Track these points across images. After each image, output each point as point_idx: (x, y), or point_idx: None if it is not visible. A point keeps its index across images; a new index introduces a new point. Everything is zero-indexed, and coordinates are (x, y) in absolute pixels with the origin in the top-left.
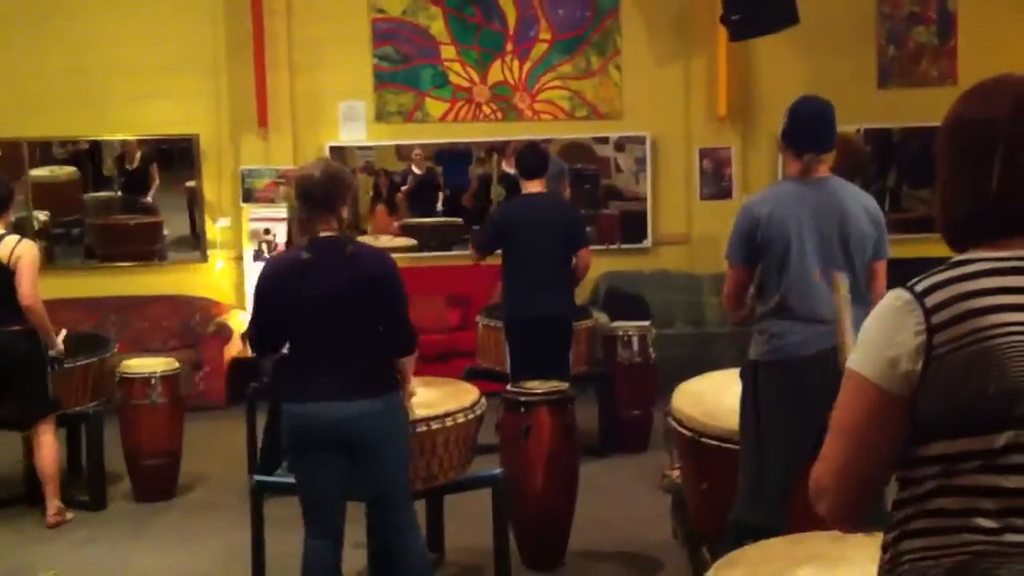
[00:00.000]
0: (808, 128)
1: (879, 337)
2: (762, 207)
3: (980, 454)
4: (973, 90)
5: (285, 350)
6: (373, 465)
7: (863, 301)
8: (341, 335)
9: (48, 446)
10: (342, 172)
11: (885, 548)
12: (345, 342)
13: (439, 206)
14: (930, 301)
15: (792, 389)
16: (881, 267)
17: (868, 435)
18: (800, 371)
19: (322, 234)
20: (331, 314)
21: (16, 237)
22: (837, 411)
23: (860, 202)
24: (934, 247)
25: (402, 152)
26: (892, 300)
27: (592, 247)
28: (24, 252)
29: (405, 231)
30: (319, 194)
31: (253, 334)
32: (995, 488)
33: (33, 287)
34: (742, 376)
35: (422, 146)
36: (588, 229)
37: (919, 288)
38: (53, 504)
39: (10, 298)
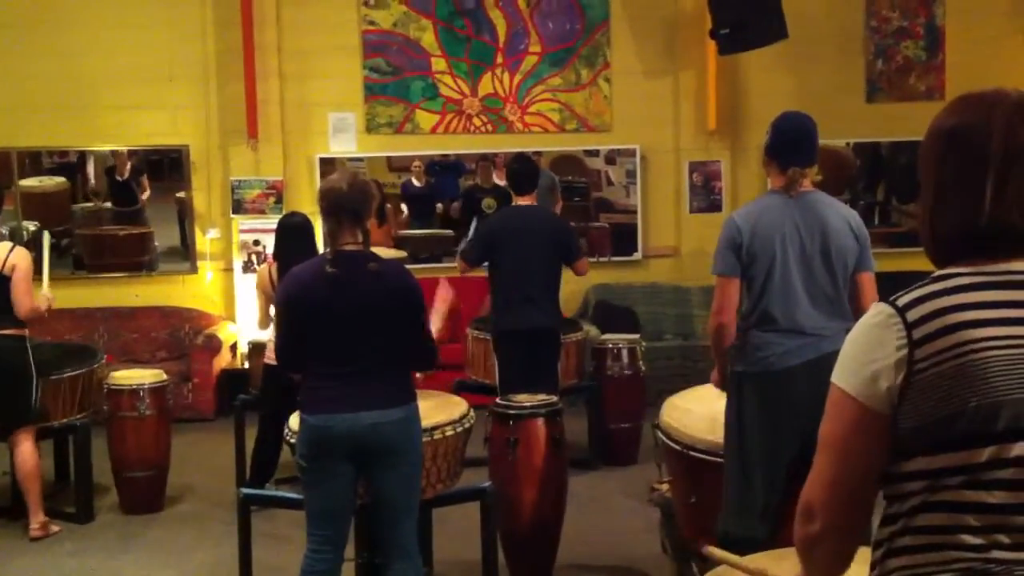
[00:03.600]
0: (791, 143)
1: (861, 352)
2: (746, 221)
3: (963, 469)
4: (962, 102)
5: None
6: (388, 475)
7: (844, 314)
8: (362, 349)
9: (27, 455)
10: (368, 184)
11: (872, 566)
12: (367, 356)
13: (437, 219)
14: (911, 315)
15: (775, 401)
16: (868, 279)
17: (852, 449)
18: (783, 382)
19: (346, 247)
20: (354, 329)
21: (8, 244)
22: (823, 426)
23: (842, 215)
24: (923, 261)
25: (393, 164)
26: (874, 314)
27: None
28: (19, 261)
29: (396, 242)
30: (347, 206)
31: (284, 348)
32: (979, 504)
33: (29, 298)
34: (726, 388)
35: (412, 158)
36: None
37: (901, 302)
38: (36, 517)
39: (3, 303)
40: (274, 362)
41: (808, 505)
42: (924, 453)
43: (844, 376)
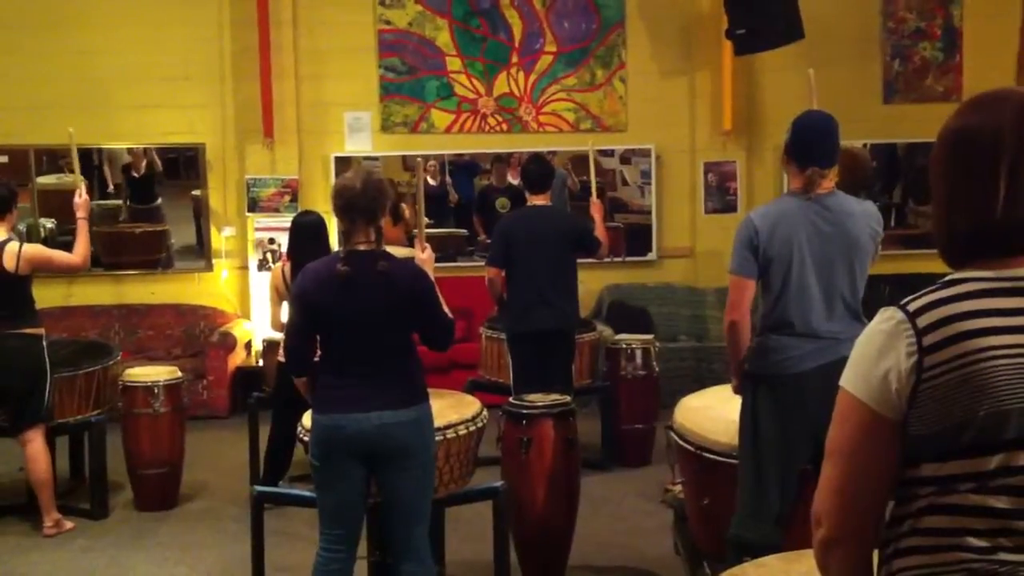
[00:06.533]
0: (811, 143)
1: (871, 357)
2: (764, 222)
3: (972, 476)
4: (973, 103)
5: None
6: (398, 476)
7: (862, 317)
8: (374, 348)
9: (37, 455)
10: (382, 182)
11: (879, 566)
12: (377, 355)
13: (451, 218)
14: (922, 321)
15: (790, 404)
16: None
17: (861, 454)
18: (799, 386)
19: (359, 246)
20: (365, 328)
21: (16, 243)
22: (831, 431)
23: (863, 217)
24: (940, 263)
25: (408, 163)
26: (883, 320)
27: (597, 260)
28: (32, 252)
29: (409, 241)
30: (361, 205)
31: (293, 346)
32: (985, 508)
33: (68, 254)
34: (741, 390)
35: (427, 158)
36: None
37: (911, 308)
38: (50, 516)
39: (18, 302)
40: None
41: (816, 513)
42: (933, 460)
43: (853, 380)
